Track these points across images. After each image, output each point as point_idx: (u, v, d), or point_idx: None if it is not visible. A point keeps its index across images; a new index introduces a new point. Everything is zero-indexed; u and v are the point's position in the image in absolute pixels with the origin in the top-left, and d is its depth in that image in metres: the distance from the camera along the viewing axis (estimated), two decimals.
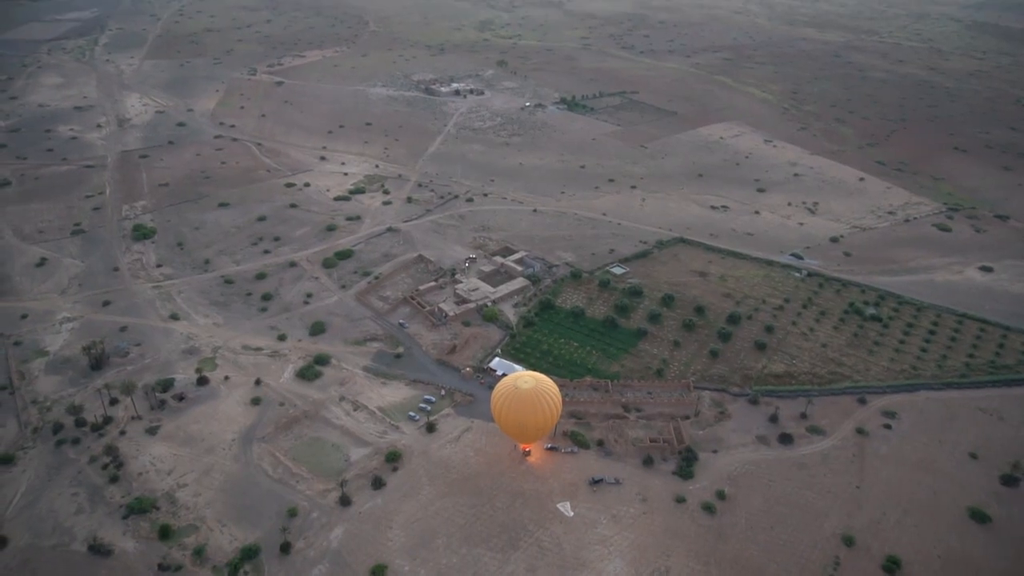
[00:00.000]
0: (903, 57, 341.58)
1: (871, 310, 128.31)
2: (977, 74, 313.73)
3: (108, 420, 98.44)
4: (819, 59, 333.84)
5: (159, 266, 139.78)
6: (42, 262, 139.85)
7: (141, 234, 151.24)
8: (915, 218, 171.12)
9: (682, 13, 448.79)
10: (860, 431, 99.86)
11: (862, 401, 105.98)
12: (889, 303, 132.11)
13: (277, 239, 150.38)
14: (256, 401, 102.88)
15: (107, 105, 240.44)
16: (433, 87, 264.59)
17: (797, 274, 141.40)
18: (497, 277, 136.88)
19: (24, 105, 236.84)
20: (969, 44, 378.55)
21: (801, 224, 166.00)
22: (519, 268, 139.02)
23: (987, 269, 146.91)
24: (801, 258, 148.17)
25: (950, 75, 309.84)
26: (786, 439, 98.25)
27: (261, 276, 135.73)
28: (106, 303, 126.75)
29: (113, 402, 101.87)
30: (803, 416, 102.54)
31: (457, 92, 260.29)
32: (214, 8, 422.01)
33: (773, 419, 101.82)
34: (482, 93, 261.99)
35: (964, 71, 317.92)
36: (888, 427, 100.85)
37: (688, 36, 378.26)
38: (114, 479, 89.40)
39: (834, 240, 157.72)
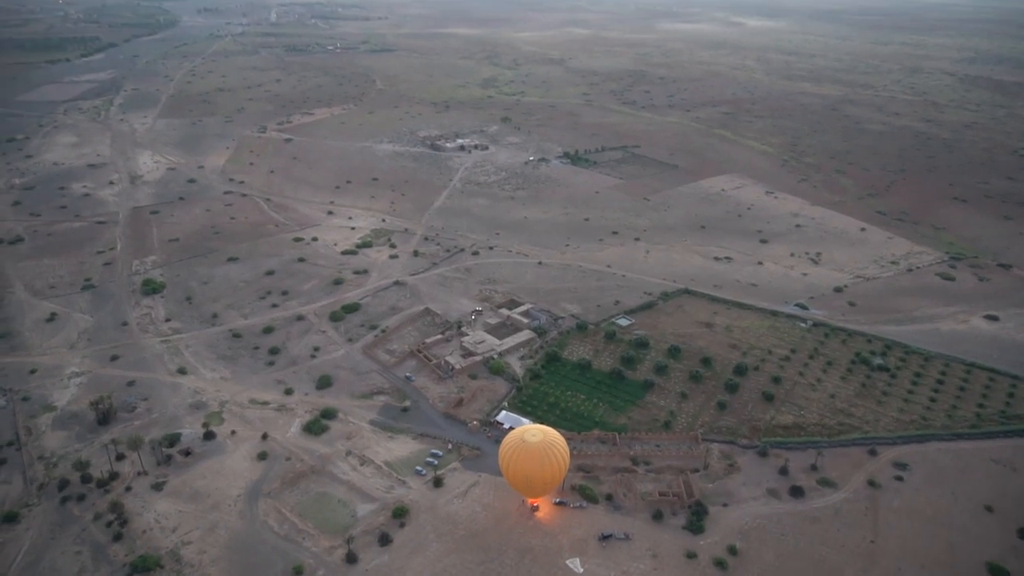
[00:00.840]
0: (899, 110, 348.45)
1: (878, 360, 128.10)
2: (973, 126, 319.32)
3: (114, 476, 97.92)
4: (817, 112, 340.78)
5: (168, 320, 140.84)
6: (52, 317, 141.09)
7: (150, 288, 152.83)
8: (918, 267, 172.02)
9: (681, 69, 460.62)
10: (872, 483, 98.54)
11: (872, 452, 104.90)
12: (896, 353, 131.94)
13: (285, 293, 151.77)
14: (262, 456, 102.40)
15: (120, 163, 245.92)
16: (438, 143, 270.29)
17: (802, 324, 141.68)
18: (503, 330, 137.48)
19: (39, 163, 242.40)
20: (963, 97, 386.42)
21: (804, 274, 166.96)
22: (525, 320, 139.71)
23: (993, 318, 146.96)
24: (806, 308, 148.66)
25: (946, 127, 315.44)
26: (797, 492, 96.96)
27: (269, 330, 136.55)
28: (114, 357, 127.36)
29: (119, 457, 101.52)
30: (813, 468, 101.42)
31: (462, 147, 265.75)
32: (226, 69, 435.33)
33: (783, 471, 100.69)
34: (487, 148, 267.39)
35: (960, 123, 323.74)
36: (900, 479, 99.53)
37: (687, 91, 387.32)
38: (118, 537, 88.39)
39: (838, 290, 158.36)
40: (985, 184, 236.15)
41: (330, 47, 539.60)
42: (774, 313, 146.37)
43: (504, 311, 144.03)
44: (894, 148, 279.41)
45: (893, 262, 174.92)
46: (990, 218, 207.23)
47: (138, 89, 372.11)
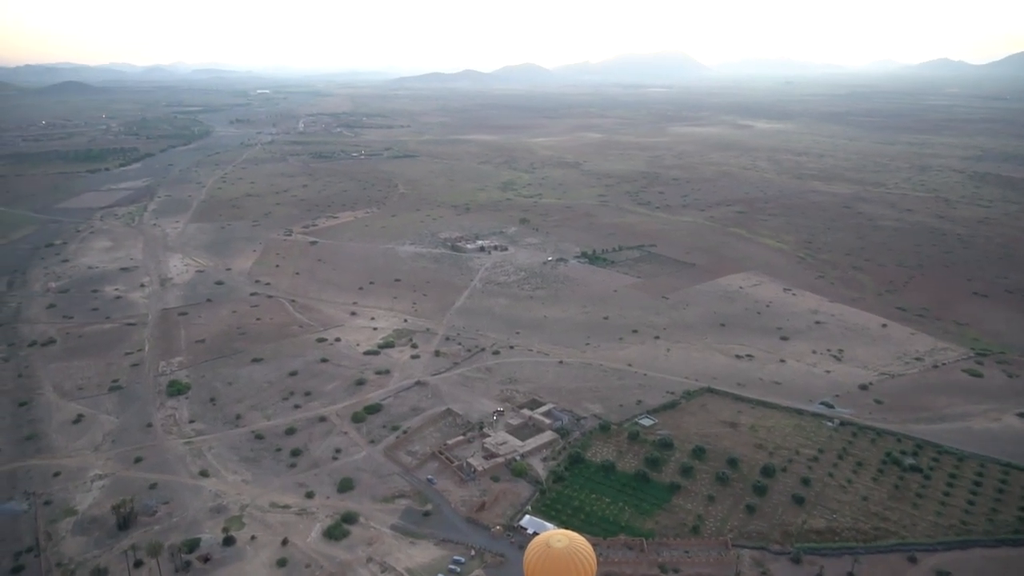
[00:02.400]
0: (911, 206, 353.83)
1: (910, 460, 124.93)
2: (986, 221, 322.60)
3: None
4: (830, 210, 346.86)
5: (192, 422, 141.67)
6: (79, 419, 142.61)
7: (176, 390, 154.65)
8: (944, 364, 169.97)
9: (694, 170, 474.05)
10: None
11: (912, 559, 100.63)
12: (928, 452, 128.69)
13: (308, 394, 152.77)
14: (282, 563, 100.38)
15: (151, 266, 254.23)
16: (459, 244, 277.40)
17: (829, 423, 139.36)
18: (525, 430, 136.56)
19: (75, 267, 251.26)
20: (974, 193, 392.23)
21: (828, 372, 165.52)
22: (547, 421, 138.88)
23: None
24: (832, 407, 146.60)
25: (960, 223, 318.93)
26: None
27: (291, 431, 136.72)
28: (138, 459, 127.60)
29: (138, 564, 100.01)
30: None
31: (482, 248, 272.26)
32: (255, 175, 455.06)
33: None
34: (506, 249, 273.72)
35: (973, 219, 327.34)
36: None
37: (701, 191, 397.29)
38: None
39: (863, 387, 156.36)
40: (1005, 279, 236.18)
41: (355, 154, 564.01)
42: (799, 412, 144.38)
43: (526, 411, 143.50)
44: (909, 244, 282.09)
45: (918, 358, 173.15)
46: (1014, 313, 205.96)
47: (171, 195, 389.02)
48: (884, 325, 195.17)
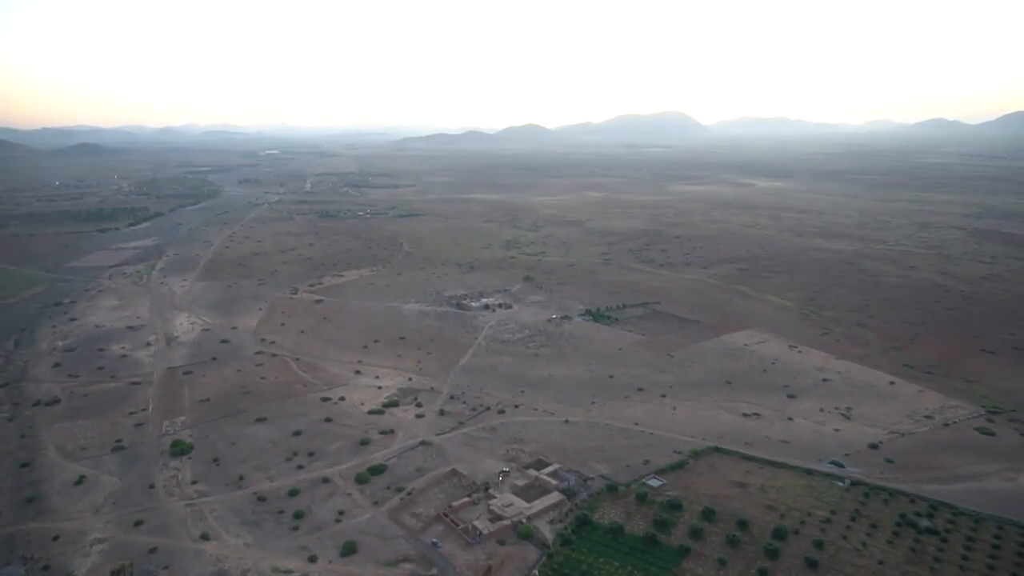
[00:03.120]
0: (914, 263, 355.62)
1: (926, 522, 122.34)
2: (990, 277, 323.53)
3: None
4: (832, 267, 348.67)
5: (194, 483, 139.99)
6: (80, 480, 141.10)
7: (179, 450, 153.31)
8: (954, 422, 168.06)
9: (696, 228, 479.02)
10: None
11: None
12: (944, 514, 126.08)
13: (311, 454, 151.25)
14: None
15: (158, 324, 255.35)
16: (464, 302, 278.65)
17: (840, 483, 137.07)
18: (531, 491, 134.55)
19: (82, 326, 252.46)
20: (976, 250, 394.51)
21: (837, 430, 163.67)
22: (553, 482, 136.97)
23: None
24: (842, 466, 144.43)
25: (963, 279, 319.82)
26: None
27: (294, 492, 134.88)
28: (138, 522, 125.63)
29: None
30: None
31: (486, 306, 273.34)
32: (262, 234, 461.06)
33: None
34: (510, 307, 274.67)
35: (976, 275, 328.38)
36: None
37: (703, 249, 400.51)
38: None
39: (873, 446, 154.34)
40: (1012, 335, 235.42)
41: (360, 213, 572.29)
42: (809, 472, 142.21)
43: (532, 472, 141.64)
44: (913, 300, 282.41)
45: (927, 416, 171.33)
46: (1022, 370, 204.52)
47: (179, 254, 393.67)
48: (892, 382, 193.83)
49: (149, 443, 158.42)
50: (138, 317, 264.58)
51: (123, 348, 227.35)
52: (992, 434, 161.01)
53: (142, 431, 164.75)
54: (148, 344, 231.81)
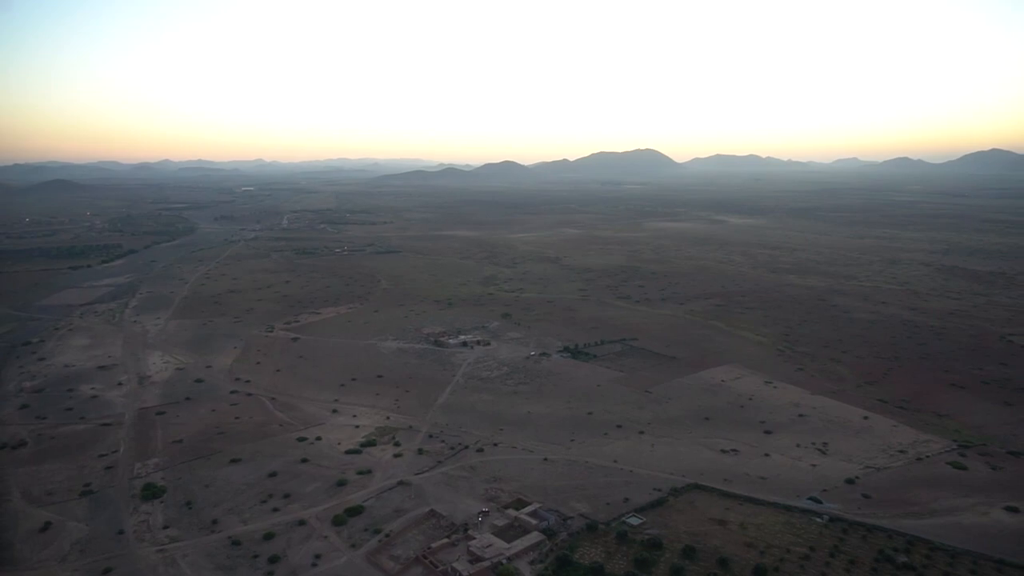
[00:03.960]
0: (884, 299, 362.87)
1: (903, 558, 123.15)
2: (957, 313, 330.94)
3: None
4: (805, 303, 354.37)
5: (166, 527, 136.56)
6: (46, 526, 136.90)
7: (150, 493, 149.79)
8: (927, 456, 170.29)
9: (672, 264, 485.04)
10: None
11: None
12: (920, 549, 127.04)
13: (287, 496, 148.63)
14: None
15: (130, 364, 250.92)
16: (442, 339, 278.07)
17: (818, 519, 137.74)
18: (511, 532, 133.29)
19: (51, 366, 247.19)
20: (943, 286, 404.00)
21: (814, 466, 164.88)
22: (533, 521, 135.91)
23: (1013, 509, 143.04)
24: (820, 502, 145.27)
25: (931, 315, 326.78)
26: None
27: (269, 536, 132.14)
28: (106, 571, 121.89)
29: None
30: None
31: (465, 344, 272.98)
32: (238, 272, 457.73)
33: None
34: (488, 344, 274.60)
35: (944, 310, 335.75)
36: None
37: (679, 285, 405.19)
38: None
39: (850, 481, 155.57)
40: (980, 370, 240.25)
41: (338, 250, 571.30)
42: (788, 508, 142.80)
43: (511, 512, 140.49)
44: (885, 336, 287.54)
45: (901, 451, 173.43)
46: (991, 404, 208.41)
47: (153, 292, 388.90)
48: (866, 417, 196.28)
49: (119, 487, 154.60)
50: (110, 356, 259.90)
51: (93, 388, 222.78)
52: (964, 468, 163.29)
53: (112, 474, 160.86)
54: (120, 384, 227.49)
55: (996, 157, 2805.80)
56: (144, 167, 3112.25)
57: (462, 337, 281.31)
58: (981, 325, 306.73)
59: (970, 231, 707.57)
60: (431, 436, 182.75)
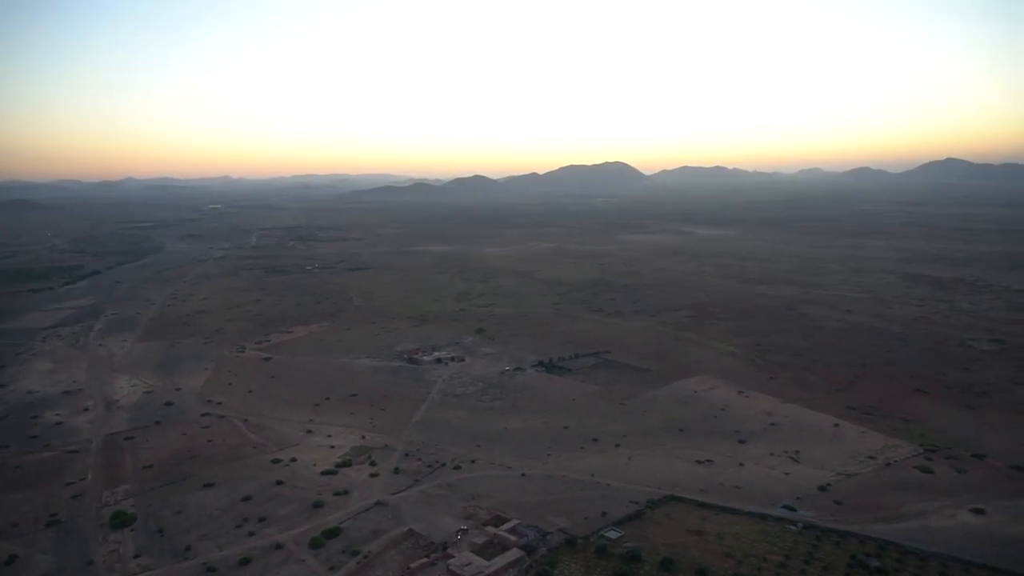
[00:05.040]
0: (851, 307, 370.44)
1: (875, 562, 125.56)
2: (920, 320, 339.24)
3: None
4: (775, 312, 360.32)
5: (137, 556, 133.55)
6: (11, 559, 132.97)
7: (120, 521, 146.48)
8: (896, 461, 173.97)
9: (642, 277, 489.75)
10: None
11: None
12: (891, 553, 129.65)
13: (262, 519, 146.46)
14: None
15: (96, 388, 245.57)
16: (416, 356, 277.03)
17: (793, 527, 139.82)
18: (490, 549, 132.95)
19: (13, 392, 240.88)
20: (906, 293, 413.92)
21: (787, 474, 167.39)
22: (512, 538, 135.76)
23: (979, 511, 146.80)
24: (794, 510, 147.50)
25: (897, 322, 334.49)
26: None
27: (245, 561, 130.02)
28: None
29: None
30: None
31: (439, 360, 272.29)
32: (207, 291, 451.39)
33: None
34: (463, 360, 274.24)
35: (908, 317, 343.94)
36: None
37: (651, 297, 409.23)
38: None
39: (822, 489, 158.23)
40: (943, 376, 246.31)
41: (308, 267, 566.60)
42: (763, 516, 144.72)
43: (490, 529, 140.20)
44: (853, 344, 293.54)
45: (871, 457, 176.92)
46: (954, 408, 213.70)
47: (118, 314, 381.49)
48: (836, 424, 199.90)
49: (88, 516, 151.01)
50: (75, 381, 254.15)
51: (58, 415, 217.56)
52: (931, 472, 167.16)
53: (80, 503, 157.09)
54: (86, 409, 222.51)
55: (952, 166, 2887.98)
56: (106, 186, 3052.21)
57: (436, 354, 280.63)
58: (943, 331, 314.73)
59: (931, 239, 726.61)
60: (407, 454, 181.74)
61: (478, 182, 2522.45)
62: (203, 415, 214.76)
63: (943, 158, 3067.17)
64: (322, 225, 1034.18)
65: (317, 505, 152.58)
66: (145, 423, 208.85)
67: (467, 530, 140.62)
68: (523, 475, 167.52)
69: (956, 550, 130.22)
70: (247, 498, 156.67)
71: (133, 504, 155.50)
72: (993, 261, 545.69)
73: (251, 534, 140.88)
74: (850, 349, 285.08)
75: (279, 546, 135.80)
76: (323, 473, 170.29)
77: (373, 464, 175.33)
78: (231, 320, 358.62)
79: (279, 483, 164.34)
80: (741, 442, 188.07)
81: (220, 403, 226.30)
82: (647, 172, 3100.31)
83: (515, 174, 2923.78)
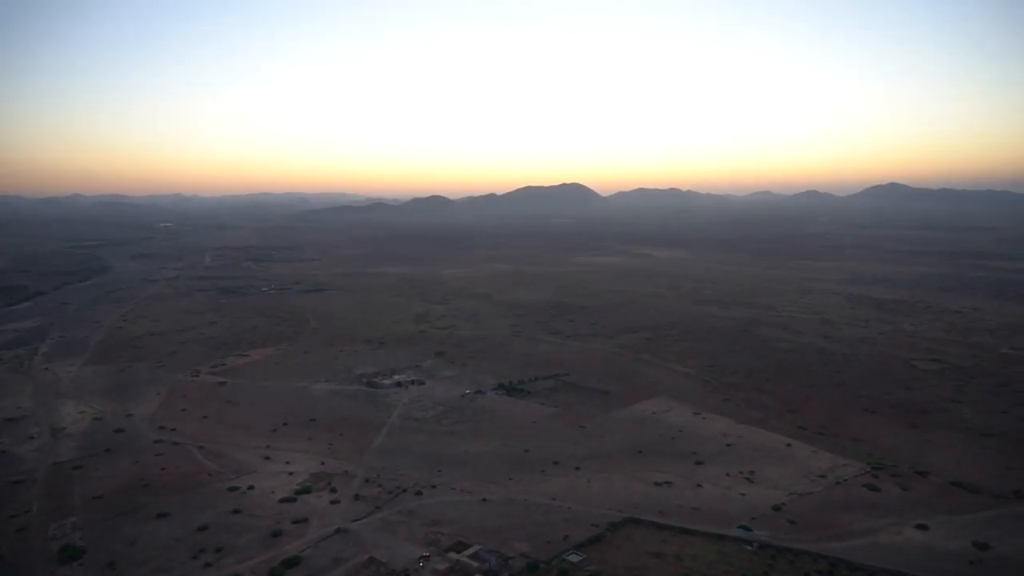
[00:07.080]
0: (800, 328, 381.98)
1: None
2: (865, 340, 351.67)
3: None
4: (728, 333, 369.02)
5: None
6: None
7: (68, 555, 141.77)
8: (845, 480, 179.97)
9: (600, 298, 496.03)
10: None
11: None
12: (842, 571, 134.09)
13: (219, 550, 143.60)
14: None
15: (41, 415, 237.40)
16: (375, 380, 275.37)
17: (749, 547, 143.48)
18: None
19: None
20: (852, 314, 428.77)
21: (743, 494, 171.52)
22: (475, 564, 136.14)
23: (923, 527, 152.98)
24: (750, 530, 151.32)
25: (843, 342, 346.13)
26: None
27: None
28: None
29: None
30: None
31: (399, 384, 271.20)
32: (158, 312, 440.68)
33: None
34: (423, 383, 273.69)
35: (854, 338, 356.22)
36: None
37: (608, 319, 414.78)
38: None
39: (776, 508, 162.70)
40: (888, 395, 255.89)
41: (264, 288, 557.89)
42: (720, 537, 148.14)
43: (453, 555, 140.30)
44: (802, 364, 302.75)
45: (821, 476, 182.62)
46: (899, 427, 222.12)
47: (65, 336, 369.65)
48: (789, 444, 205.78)
49: (33, 550, 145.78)
50: (18, 408, 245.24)
51: (1, 443, 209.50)
52: (878, 490, 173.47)
53: (25, 537, 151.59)
54: (31, 438, 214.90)
55: (894, 190, 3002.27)
56: (52, 201, 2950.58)
57: (396, 377, 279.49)
58: (888, 351, 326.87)
59: (873, 260, 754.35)
60: (368, 480, 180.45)
61: (436, 202, 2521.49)
62: (156, 442, 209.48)
63: (886, 182, 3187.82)
64: (278, 245, 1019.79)
65: (276, 534, 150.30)
66: (94, 451, 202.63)
67: (429, 557, 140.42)
68: (484, 500, 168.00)
69: (903, 565, 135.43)
70: (203, 528, 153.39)
71: (82, 536, 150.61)
72: (931, 283, 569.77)
73: (208, 565, 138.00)
74: (800, 370, 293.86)
75: None
76: (282, 501, 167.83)
77: (333, 491, 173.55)
78: (184, 343, 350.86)
79: (236, 512, 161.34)
80: (698, 463, 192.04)
81: (174, 429, 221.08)
82: (604, 193, 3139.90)
83: (473, 194, 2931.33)
